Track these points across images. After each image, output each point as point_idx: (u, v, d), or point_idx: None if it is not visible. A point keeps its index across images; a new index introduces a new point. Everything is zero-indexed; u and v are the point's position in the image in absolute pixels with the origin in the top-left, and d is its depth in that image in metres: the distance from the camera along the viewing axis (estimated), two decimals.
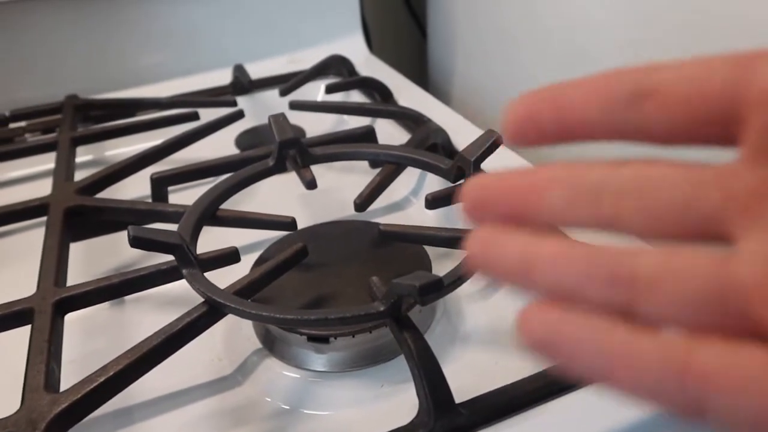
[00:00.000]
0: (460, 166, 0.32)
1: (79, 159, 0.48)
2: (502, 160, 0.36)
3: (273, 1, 0.65)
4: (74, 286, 0.29)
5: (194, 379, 0.31)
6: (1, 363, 0.32)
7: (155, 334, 0.25)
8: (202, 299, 0.27)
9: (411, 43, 0.88)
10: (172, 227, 0.33)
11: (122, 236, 0.42)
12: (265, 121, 0.56)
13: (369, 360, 0.31)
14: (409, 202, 0.45)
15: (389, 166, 0.37)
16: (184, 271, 0.28)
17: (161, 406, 0.30)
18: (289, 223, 0.33)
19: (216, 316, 0.27)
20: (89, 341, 0.34)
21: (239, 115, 0.48)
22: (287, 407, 0.30)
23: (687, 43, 0.40)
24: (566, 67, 0.51)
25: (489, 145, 0.32)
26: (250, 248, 0.41)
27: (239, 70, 0.60)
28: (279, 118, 0.36)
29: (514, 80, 0.59)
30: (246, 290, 0.28)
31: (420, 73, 0.88)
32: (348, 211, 0.44)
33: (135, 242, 0.28)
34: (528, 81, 0.57)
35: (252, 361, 0.32)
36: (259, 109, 0.59)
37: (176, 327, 0.26)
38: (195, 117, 0.49)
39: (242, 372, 0.32)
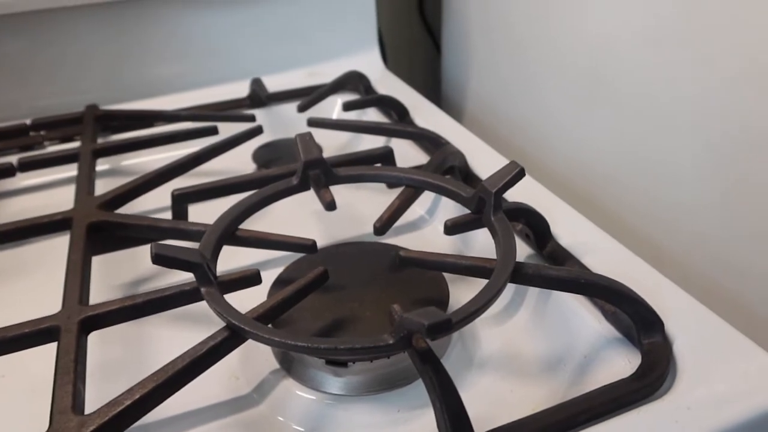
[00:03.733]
0: (481, 196, 0.33)
1: (96, 168, 0.49)
2: (523, 191, 0.37)
3: (290, 15, 0.66)
4: (99, 304, 0.30)
5: (210, 398, 0.32)
6: (21, 377, 0.33)
7: (180, 357, 0.26)
8: (223, 323, 0.27)
9: (424, 56, 0.89)
10: (194, 245, 0.34)
11: (141, 250, 0.43)
12: (281, 135, 0.57)
13: (386, 385, 0.31)
14: (424, 221, 0.46)
15: (409, 189, 0.38)
16: (203, 290, 0.29)
17: (177, 425, 0.30)
18: (309, 246, 0.33)
19: (238, 339, 0.27)
20: (104, 352, 0.34)
21: (258, 131, 0.48)
22: (302, 429, 0.30)
23: (704, 64, 0.40)
24: (582, 86, 0.52)
25: (511, 176, 0.32)
26: (265, 265, 0.41)
27: (257, 84, 0.60)
28: (305, 137, 0.37)
29: (528, 97, 0.60)
30: (267, 315, 0.28)
31: (433, 87, 0.89)
32: (362, 230, 0.45)
33: (157, 259, 0.28)
34: (541, 99, 0.57)
35: (269, 380, 0.32)
36: (275, 123, 0.59)
37: (201, 350, 0.26)
38: (214, 131, 0.49)
39: (259, 392, 0.32)
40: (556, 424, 0.26)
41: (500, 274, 0.28)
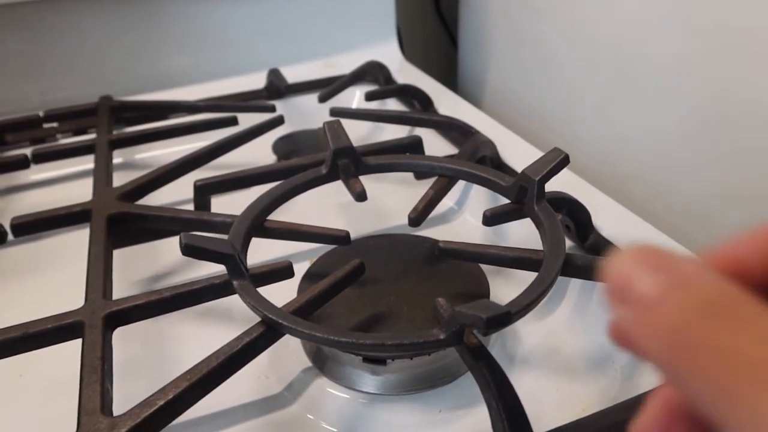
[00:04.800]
0: (522, 185, 0.31)
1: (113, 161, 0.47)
2: (558, 181, 0.35)
3: (308, 6, 0.64)
4: (124, 299, 0.28)
5: (240, 398, 0.30)
6: (39, 376, 0.31)
7: (214, 354, 0.24)
8: (258, 318, 0.26)
9: (440, 49, 0.87)
10: (220, 237, 0.32)
11: (159, 243, 0.41)
12: (301, 127, 0.55)
13: (426, 383, 0.29)
14: (454, 212, 0.44)
15: (442, 179, 0.36)
16: (236, 283, 0.27)
17: (205, 427, 0.29)
18: (343, 237, 0.32)
19: (275, 335, 0.25)
20: (123, 349, 0.32)
21: (279, 121, 0.47)
22: (335, 430, 0.28)
23: (735, 52, 0.38)
24: (610, 80, 0.50)
25: (555, 164, 0.30)
26: (290, 258, 0.39)
27: (275, 74, 0.58)
28: (334, 125, 0.35)
29: (553, 91, 0.58)
30: (303, 309, 0.27)
31: (448, 81, 0.87)
32: (388, 222, 0.43)
33: (187, 250, 0.26)
34: (568, 92, 0.56)
35: (301, 379, 0.31)
36: (294, 114, 0.58)
37: (236, 347, 0.24)
38: (234, 122, 0.48)
39: (291, 391, 0.30)
40: (617, 425, 0.24)
41: (551, 265, 0.26)
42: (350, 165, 0.35)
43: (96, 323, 0.26)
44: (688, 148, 0.44)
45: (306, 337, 0.24)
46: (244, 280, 0.27)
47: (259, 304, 0.25)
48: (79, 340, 0.26)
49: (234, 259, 0.27)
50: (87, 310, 0.27)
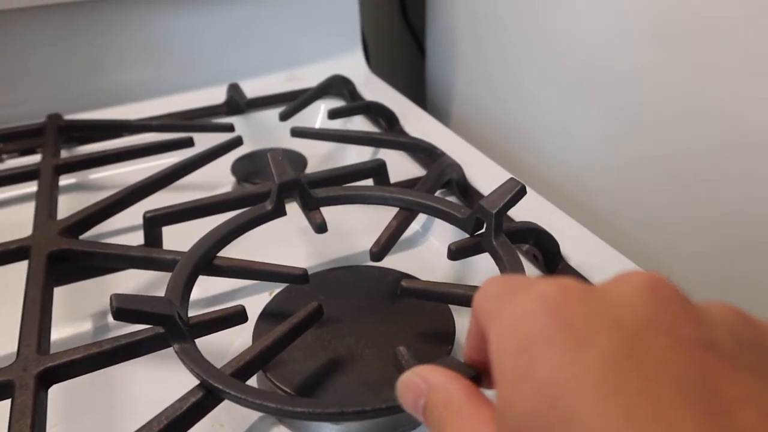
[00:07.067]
0: (479, 218, 0.30)
1: (60, 182, 0.44)
2: (528, 205, 0.34)
3: (270, 17, 0.62)
4: (60, 353, 0.26)
5: None
6: None
7: (155, 419, 0.22)
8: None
9: (408, 59, 0.86)
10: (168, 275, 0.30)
11: (108, 277, 0.39)
12: (262, 145, 0.53)
13: (389, 430, 0.28)
14: (419, 237, 0.43)
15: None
16: (176, 347, 0.25)
17: None
18: (299, 276, 0.30)
19: (220, 396, 0.24)
20: (71, 398, 0.30)
21: (237, 142, 0.45)
22: None
23: (696, 63, 0.38)
24: (572, 87, 0.49)
25: (512, 196, 0.29)
26: (248, 290, 0.38)
27: (234, 89, 0.56)
28: (277, 156, 0.33)
29: (518, 100, 0.57)
30: (254, 364, 0.25)
31: (416, 90, 0.86)
32: (353, 248, 0.41)
33: (119, 314, 0.24)
34: (532, 101, 0.55)
35: (257, 428, 0.29)
36: (255, 131, 0.55)
37: (179, 410, 0.22)
38: (189, 143, 0.46)
39: None
40: None
41: None
42: (298, 199, 0.33)
43: (27, 383, 0.24)
44: (653, 159, 0.44)
45: (254, 407, 0.22)
46: (184, 342, 0.25)
47: (200, 369, 0.23)
48: (9, 402, 0.24)
49: (172, 320, 0.25)
50: (18, 367, 0.25)
